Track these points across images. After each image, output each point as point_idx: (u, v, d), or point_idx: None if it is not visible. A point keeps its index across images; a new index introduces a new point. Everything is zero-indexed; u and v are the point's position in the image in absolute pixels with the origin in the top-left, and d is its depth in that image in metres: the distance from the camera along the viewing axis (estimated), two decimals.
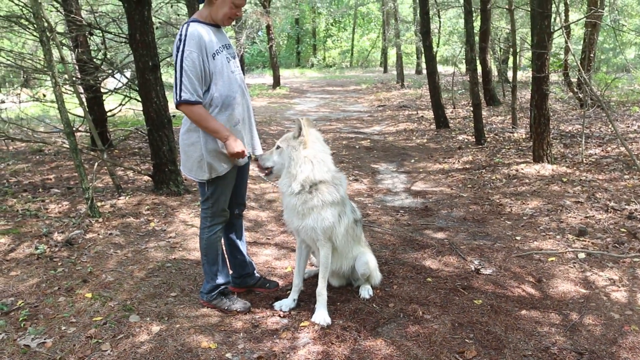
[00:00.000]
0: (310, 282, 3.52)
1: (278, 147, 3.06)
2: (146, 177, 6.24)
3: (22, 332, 2.96)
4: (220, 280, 3.23)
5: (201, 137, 2.92)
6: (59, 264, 3.89)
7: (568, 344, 2.82)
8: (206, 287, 3.25)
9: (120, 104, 7.65)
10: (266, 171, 3.11)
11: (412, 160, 7.70)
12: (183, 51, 2.76)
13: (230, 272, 3.42)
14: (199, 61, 2.77)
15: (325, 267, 3.13)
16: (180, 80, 2.77)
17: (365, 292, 3.38)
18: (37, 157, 7.78)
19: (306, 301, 3.32)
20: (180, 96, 2.79)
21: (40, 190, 5.89)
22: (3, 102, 6.85)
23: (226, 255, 3.39)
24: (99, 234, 4.49)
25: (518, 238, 4.40)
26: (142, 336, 2.93)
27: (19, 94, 6.96)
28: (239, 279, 3.47)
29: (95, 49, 7.88)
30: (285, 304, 3.25)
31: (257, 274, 3.52)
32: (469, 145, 8.44)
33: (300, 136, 2.98)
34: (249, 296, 3.44)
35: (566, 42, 8.69)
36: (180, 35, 2.81)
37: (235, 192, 3.22)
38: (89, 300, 3.32)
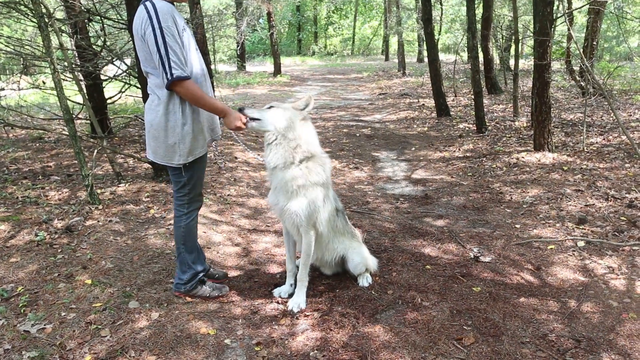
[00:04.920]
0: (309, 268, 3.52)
1: (270, 107, 2.95)
2: (146, 165, 6.24)
3: (22, 318, 2.97)
4: (199, 267, 3.19)
5: (187, 118, 2.79)
6: (59, 250, 3.90)
7: (566, 331, 2.83)
8: (183, 277, 3.15)
9: (120, 91, 7.62)
10: (252, 122, 2.88)
11: (413, 149, 7.68)
12: (161, 27, 2.54)
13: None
14: (178, 35, 2.60)
15: (307, 254, 3.11)
16: (168, 57, 2.56)
17: (364, 280, 3.39)
18: (37, 144, 7.77)
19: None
20: (171, 74, 2.58)
21: (40, 177, 5.89)
22: (3, 89, 6.82)
23: None
24: (98, 221, 4.49)
25: (518, 226, 4.40)
26: (142, 322, 2.94)
27: (19, 81, 6.93)
28: None
29: (95, 35, 7.82)
30: (284, 290, 3.26)
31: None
32: (470, 134, 8.41)
33: (304, 110, 2.95)
34: (247, 283, 3.45)
35: (569, 29, 8.62)
36: (149, 11, 2.57)
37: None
38: (88, 287, 3.33)
